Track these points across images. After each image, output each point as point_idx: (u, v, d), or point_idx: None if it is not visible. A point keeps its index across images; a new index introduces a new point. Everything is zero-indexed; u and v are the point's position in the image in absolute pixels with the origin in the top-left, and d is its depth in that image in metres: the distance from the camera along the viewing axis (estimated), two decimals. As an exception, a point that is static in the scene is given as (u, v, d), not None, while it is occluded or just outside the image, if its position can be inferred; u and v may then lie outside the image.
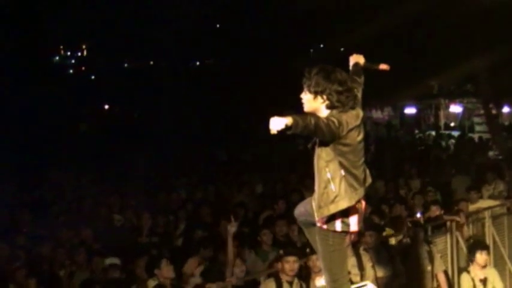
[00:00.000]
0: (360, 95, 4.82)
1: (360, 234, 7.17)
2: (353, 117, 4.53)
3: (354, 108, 4.58)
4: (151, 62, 33.32)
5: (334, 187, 4.51)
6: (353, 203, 4.57)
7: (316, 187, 4.63)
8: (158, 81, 27.23)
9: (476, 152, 19.94)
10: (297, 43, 22.55)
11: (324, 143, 4.51)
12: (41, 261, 9.08)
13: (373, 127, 30.60)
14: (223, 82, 25.21)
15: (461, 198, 11.31)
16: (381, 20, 17.35)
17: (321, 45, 24.94)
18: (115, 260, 8.59)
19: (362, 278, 7.55)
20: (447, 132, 29.63)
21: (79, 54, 40.13)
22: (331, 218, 4.59)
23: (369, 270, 7.97)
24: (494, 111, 22.33)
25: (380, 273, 8.02)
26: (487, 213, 10.45)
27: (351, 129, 4.48)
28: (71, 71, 37.57)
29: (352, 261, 7.79)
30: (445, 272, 9.05)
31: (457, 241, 9.45)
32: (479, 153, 19.75)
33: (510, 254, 10.53)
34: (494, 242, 10.19)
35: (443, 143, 24.45)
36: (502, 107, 28.40)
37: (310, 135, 4.47)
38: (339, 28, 19.61)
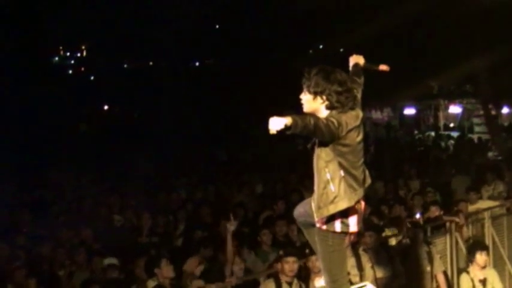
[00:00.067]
0: (359, 95, 4.82)
1: (359, 234, 7.15)
2: (352, 117, 4.53)
3: (354, 108, 4.59)
4: (151, 62, 33.28)
5: (334, 188, 4.52)
6: (352, 203, 4.58)
7: (315, 187, 4.64)
8: (158, 81, 27.16)
9: (476, 152, 19.98)
10: (297, 43, 22.51)
11: (323, 144, 4.51)
12: (41, 261, 9.08)
13: (373, 128, 30.58)
14: (223, 82, 25.15)
15: (460, 199, 11.31)
16: (381, 20, 17.32)
17: (321, 46, 24.90)
18: (113, 260, 8.60)
19: (361, 279, 7.56)
20: (446, 133, 29.69)
21: (78, 54, 40.15)
22: (330, 219, 4.60)
23: (369, 271, 7.98)
24: (493, 112, 22.27)
25: (379, 273, 8.03)
26: (486, 214, 10.46)
27: (351, 130, 4.49)
28: (71, 71, 37.58)
29: (351, 261, 7.79)
30: (445, 273, 9.06)
31: (457, 242, 9.45)
32: (479, 154, 19.78)
33: (509, 254, 10.52)
34: (494, 242, 10.20)
35: (443, 144, 24.45)
36: (501, 108, 28.38)
37: (309, 136, 4.47)
38: (339, 28, 19.56)
